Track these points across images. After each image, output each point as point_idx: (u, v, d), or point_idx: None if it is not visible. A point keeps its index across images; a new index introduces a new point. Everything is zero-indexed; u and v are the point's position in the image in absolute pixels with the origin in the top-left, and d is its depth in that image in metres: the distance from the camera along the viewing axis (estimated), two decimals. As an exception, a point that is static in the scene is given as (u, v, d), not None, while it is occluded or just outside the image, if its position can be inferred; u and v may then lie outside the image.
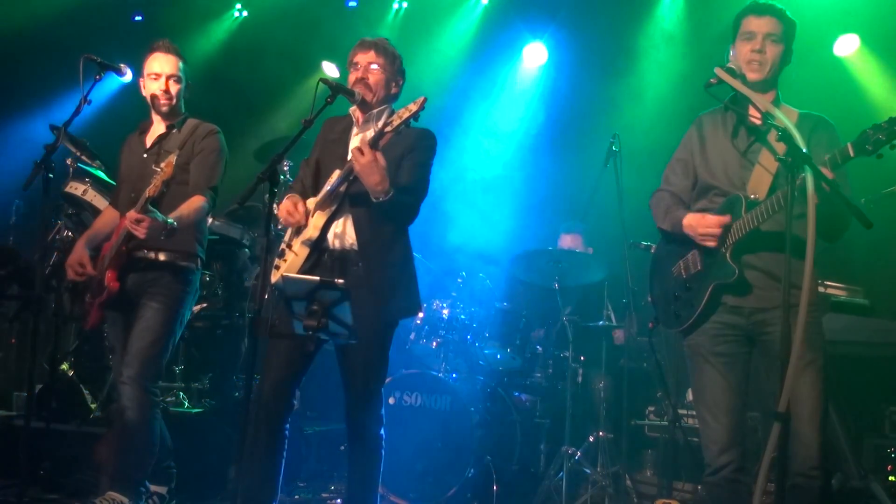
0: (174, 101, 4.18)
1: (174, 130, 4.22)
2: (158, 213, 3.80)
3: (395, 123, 3.39)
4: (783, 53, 3.23)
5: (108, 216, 4.36)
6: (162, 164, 3.85)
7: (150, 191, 3.82)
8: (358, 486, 3.63)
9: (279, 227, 5.63)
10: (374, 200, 3.43)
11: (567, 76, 7.35)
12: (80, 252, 4.15)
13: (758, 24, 3.22)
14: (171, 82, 4.15)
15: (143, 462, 4.04)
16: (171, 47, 4.19)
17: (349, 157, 3.61)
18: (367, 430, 3.60)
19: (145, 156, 4.18)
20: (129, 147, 4.32)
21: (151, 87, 4.16)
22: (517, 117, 7.42)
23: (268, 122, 7.50)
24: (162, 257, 4.08)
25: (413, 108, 3.37)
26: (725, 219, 3.11)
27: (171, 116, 4.23)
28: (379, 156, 3.35)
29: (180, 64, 4.20)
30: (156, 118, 4.26)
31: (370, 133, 3.59)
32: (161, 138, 4.21)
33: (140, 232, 3.76)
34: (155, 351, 4.01)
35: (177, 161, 4.01)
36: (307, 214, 3.62)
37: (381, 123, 3.60)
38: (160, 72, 4.15)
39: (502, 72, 7.57)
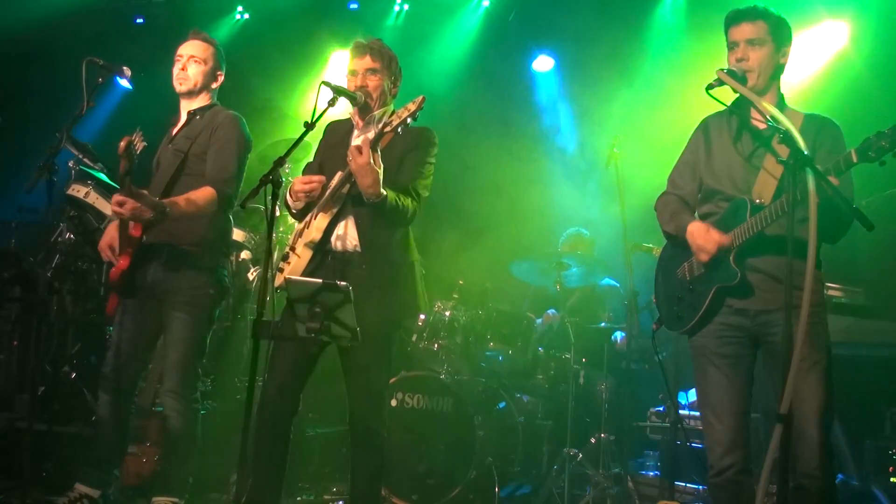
0: (190, 81, 4.14)
1: (196, 117, 4.18)
2: (147, 198, 3.78)
3: (395, 123, 3.40)
4: (771, 54, 3.19)
5: None
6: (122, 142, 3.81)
7: (121, 168, 3.79)
8: (361, 488, 3.63)
9: (281, 229, 5.66)
10: (366, 201, 3.45)
11: (568, 76, 7.36)
12: (111, 235, 4.08)
13: (737, 33, 3.22)
14: (189, 62, 4.14)
15: (189, 462, 4.10)
16: (200, 34, 4.21)
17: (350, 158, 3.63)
18: (369, 431, 3.61)
19: (169, 145, 4.17)
20: (163, 140, 4.31)
21: (174, 70, 4.17)
22: (518, 118, 7.42)
23: (269, 125, 7.49)
24: (179, 249, 4.02)
25: (412, 107, 3.38)
26: (726, 241, 3.11)
27: (191, 99, 4.19)
28: (377, 158, 3.37)
29: (211, 49, 4.18)
30: (182, 108, 4.24)
31: (371, 135, 3.61)
32: (183, 126, 4.18)
33: (122, 212, 3.74)
34: (190, 360, 4.04)
35: (192, 149, 4.02)
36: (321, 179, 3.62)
37: (381, 125, 3.62)
38: (182, 53, 4.16)
39: (503, 73, 7.58)
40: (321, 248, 3.63)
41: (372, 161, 3.35)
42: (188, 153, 4.07)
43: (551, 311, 5.93)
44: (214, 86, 4.24)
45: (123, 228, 3.95)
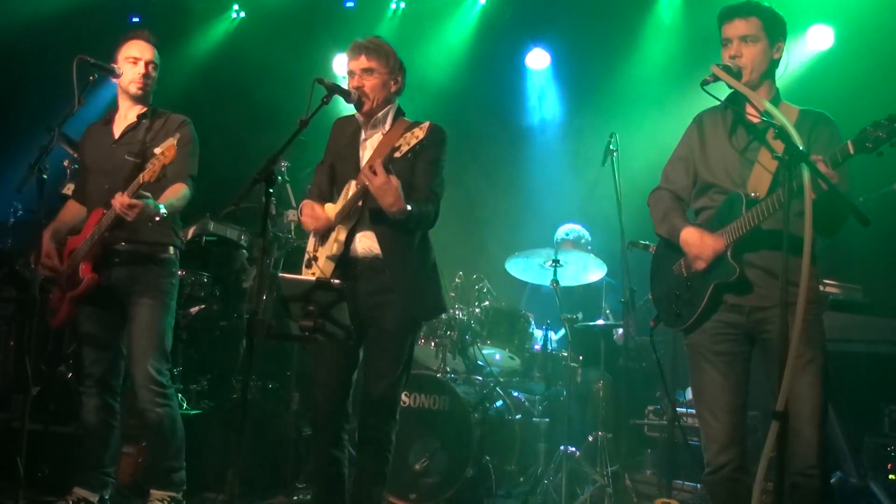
0: (148, 87, 4.17)
1: (144, 120, 4.18)
2: (152, 200, 3.80)
3: (404, 150, 3.37)
4: (765, 49, 3.18)
5: (72, 209, 4.34)
6: (159, 150, 3.80)
7: (145, 175, 3.80)
8: (364, 493, 3.61)
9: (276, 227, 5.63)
10: (390, 218, 3.44)
11: (564, 74, 7.35)
12: (47, 245, 4.09)
13: (730, 30, 3.20)
14: (150, 67, 4.16)
15: (177, 453, 4.09)
16: (150, 37, 4.20)
17: (362, 163, 3.64)
18: (379, 436, 3.58)
19: (114, 146, 4.15)
20: (91, 138, 4.29)
21: (128, 71, 4.14)
22: (515, 116, 7.41)
23: (265, 123, 7.48)
24: (141, 249, 4.05)
25: (420, 134, 3.36)
26: (721, 247, 3.10)
27: (139, 104, 4.20)
28: (392, 178, 3.35)
29: (156, 52, 4.20)
30: (123, 107, 4.23)
31: (378, 136, 3.62)
32: (131, 128, 4.18)
33: (130, 216, 3.74)
34: (160, 346, 4.04)
35: (150, 152, 3.98)
36: (327, 218, 3.62)
37: (387, 126, 3.66)
38: (139, 56, 4.15)
39: (500, 71, 7.57)
40: (343, 259, 3.62)
41: (388, 180, 3.34)
42: (146, 156, 4.05)
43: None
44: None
45: (97, 236, 3.95)
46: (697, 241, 3.15)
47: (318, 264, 3.64)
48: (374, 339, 3.58)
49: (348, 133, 3.78)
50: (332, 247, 3.59)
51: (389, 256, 3.56)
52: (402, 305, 3.55)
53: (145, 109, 4.22)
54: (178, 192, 4.01)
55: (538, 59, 7.48)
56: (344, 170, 3.70)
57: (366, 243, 3.60)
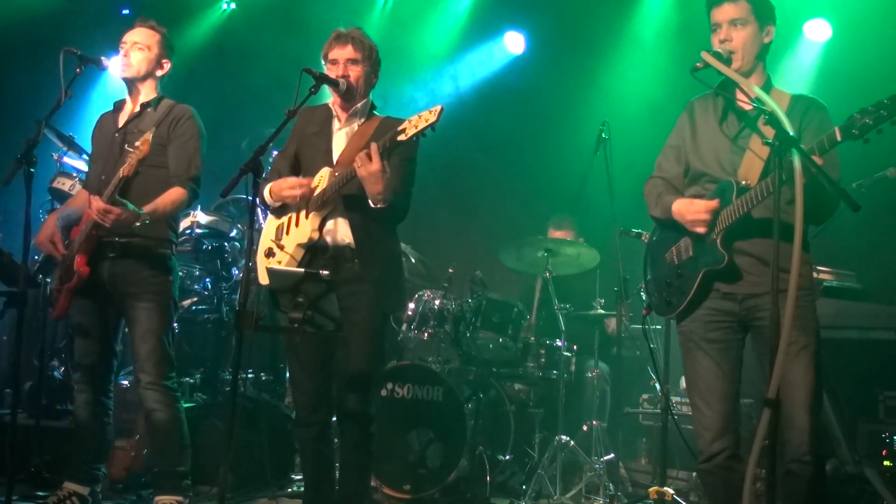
0: (132, 68, 4.11)
1: (148, 109, 4.14)
2: (129, 204, 3.75)
3: (410, 133, 3.27)
4: (755, 33, 3.16)
5: (81, 198, 4.29)
6: (137, 143, 3.77)
7: (124, 170, 3.76)
8: (352, 471, 3.61)
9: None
10: (372, 206, 3.41)
11: (556, 63, 7.32)
12: (51, 228, 4.08)
13: (719, 14, 3.18)
14: (133, 48, 4.11)
15: (183, 457, 4.07)
16: (147, 21, 4.20)
17: (334, 153, 3.60)
18: (357, 407, 3.56)
19: (116, 135, 4.12)
20: (100, 126, 4.26)
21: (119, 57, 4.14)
22: (507, 105, 7.38)
23: (256, 115, 7.44)
24: (135, 243, 3.99)
25: (431, 118, 3.21)
26: (714, 204, 3.07)
27: (140, 91, 4.16)
28: (387, 166, 3.33)
29: (157, 37, 4.16)
30: (129, 97, 4.20)
31: (353, 128, 3.63)
32: (134, 117, 4.14)
33: (106, 221, 3.72)
34: (162, 349, 4.01)
35: (152, 140, 3.94)
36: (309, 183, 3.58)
37: (363, 118, 3.67)
38: (126, 40, 4.14)
39: (492, 60, 7.54)
40: (313, 245, 3.59)
41: (383, 168, 3.31)
42: None
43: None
44: (159, 73, 4.20)
45: (90, 230, 3.92)
46: (688, 206, 3.14)
47: (287, 251, 3.59)
48: (346, 328, 3.52)
49: (317, 122, 3.76)
50: (306, 234, 3.56)
51: (361, 246, 3.55)
52: (371, 296, 3.54)
53: (150, 98, 4.16)
54: (171, 197, 3.95)
55: (530, 47, 7.45)
56: (313, 158, 3.67)
57: (338, 231, 3.58)
